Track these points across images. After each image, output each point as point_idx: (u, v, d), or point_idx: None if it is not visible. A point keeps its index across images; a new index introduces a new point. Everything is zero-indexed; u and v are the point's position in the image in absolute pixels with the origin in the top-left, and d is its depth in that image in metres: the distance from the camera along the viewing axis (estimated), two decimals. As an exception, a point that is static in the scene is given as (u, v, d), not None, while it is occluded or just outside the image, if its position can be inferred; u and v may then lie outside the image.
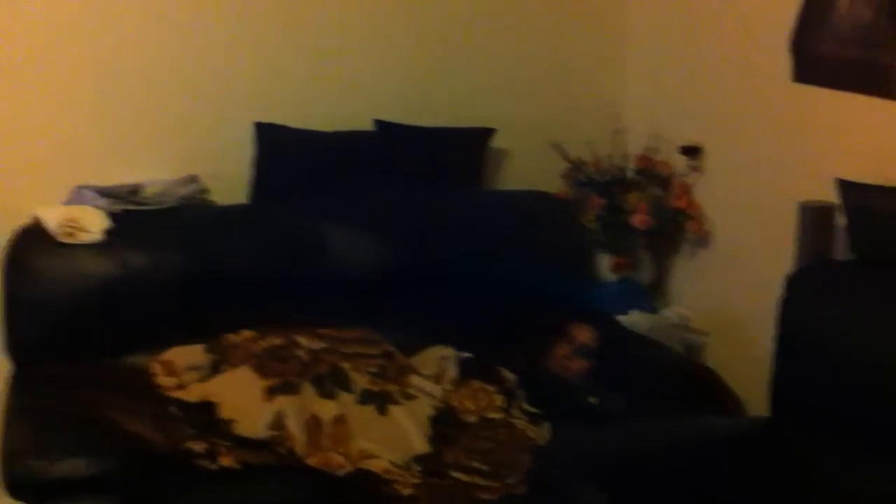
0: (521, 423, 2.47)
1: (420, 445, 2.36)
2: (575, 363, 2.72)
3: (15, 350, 2.68)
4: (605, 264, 3.34)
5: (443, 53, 3.29)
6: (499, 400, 2.52)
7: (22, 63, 2.81)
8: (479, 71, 3.34)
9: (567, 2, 3.43)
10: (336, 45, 3.14)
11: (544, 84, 3.44)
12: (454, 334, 2.76)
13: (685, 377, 2.75)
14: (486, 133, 3.24)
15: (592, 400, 2.63)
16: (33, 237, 2.72)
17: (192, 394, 2.46)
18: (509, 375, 2.60)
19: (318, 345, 2.64)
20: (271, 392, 2.43)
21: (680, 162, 3.22)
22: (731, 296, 3.11)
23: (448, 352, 2.68)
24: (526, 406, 2.51)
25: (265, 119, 3.04)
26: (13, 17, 2.79)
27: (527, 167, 3.36)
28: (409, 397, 2.49)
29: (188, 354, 2.62)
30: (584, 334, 2.76)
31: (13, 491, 2.23)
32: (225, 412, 2.38)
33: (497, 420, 2.47)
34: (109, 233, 2.72)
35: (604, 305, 3.10)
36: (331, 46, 3.13)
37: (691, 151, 3.17)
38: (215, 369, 2.56)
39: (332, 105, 3.15)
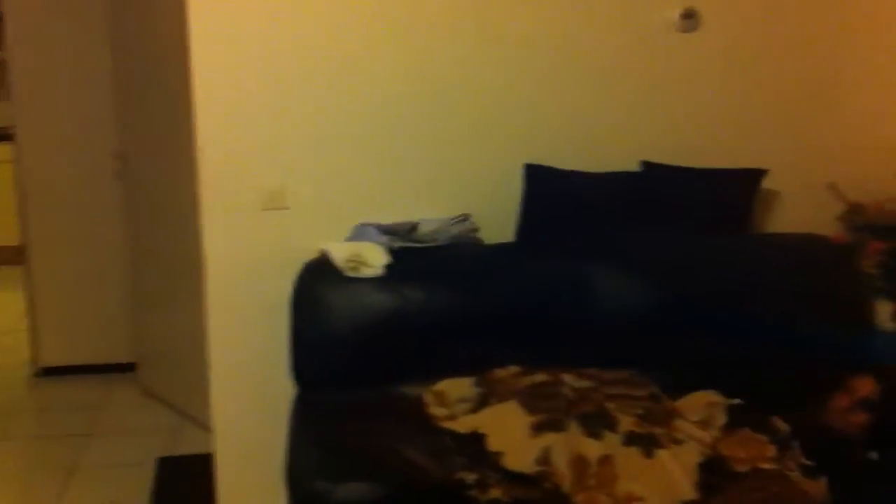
0: (795, 475, 2.36)
1: (687, 492, 2.31)
2: (855, 416, 2.58)
3: (300, 375, 2.88)
4: (885, 312, 3.14)
5: (712, 91, 3.24)
6: (771, 450, 2.43)
7: (311, 112, 3.03)
8: (749, 108, 3.27)
9: (847, 31, 3.29)
10: (602, 87, 3.18)
11: (820, 120, 3.32)
12: (721, 382, 2.70)
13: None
14: (758, 174, 3.16)
15: (873, 455, 2.49)
16: (320, 270, 2.91)
17: (463, 425, 2.54)
18: (782, 425, 2.51)
19: (583, 383, 2.66)
20: (538, 428, 2.46)
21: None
22: None
23: (716, 397, 2.63)
24: (801, 458, 2.41)
25: (535, 160, 3.12)
26: (307, 75, 3.02)
27: (799, 209, 3.25)
28: (677, 442, 2.44)
29: (458, 386, 2.71)
30: (866, 386, 2.61)
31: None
32: (493, 445, 2.43)
33: (769, 471, 2.37)
34: (389, 268, 2.87)
35: (884, 357, 2.91)
36: (597, 88, 3.17)
37: None
38: (484, 402, 2.63)
39: (600, 146, 3.18)
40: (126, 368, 4.92)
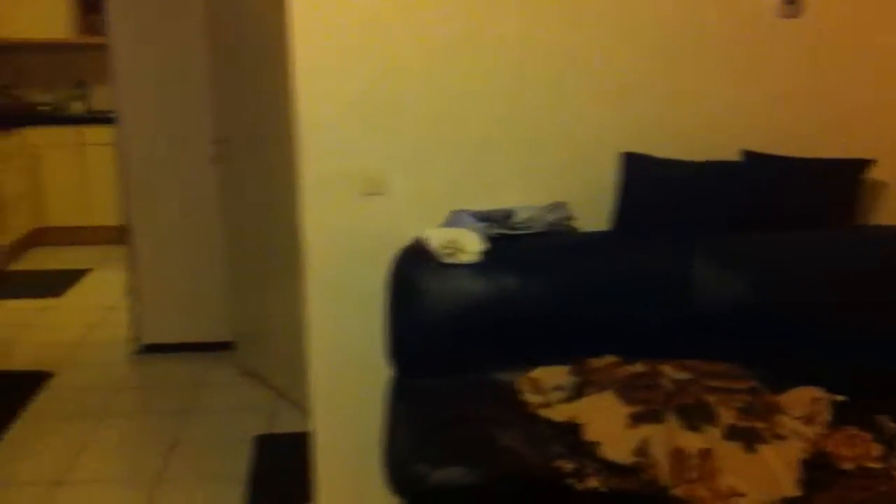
0: (901, 475, 2.31)
1: (789, 488, 2.26)
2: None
3: (396, 359, 2.90)
4: None
5: (815, 78, 3.15)
6: (877, 449, 2.38)
7: (409, 98, 3.05)
8: (853, 95, 3.16)
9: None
10: (702, 73, 3.11)
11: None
12: (821, 380, 2.65)
13: None
14: (863, 164, 3.06)
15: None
16: (416, 256, 2.93)
17: (559, 413, 2.54)
18: (889, 424, 2.45)
19: (682, 375, 2.64)
20: (636, 419, 2.45)
21: None
22: None
23: (820, 393, 2.57)
24: (907, 458, 2.35)
25: (630, 148, 3.08)
26: (406, 62, 3.04)
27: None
28: (779, 437, 2.39)
29: (554, 375, 2.71)
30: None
31: (398, 492, 2.43)
32: (590, 434, 2.43)
33: (875, 470, 2.32)
34: (485, 254, 2.87)
35: None
36: (696, 74, 3.12)
37: None
38: (579, 391, 2.62)
39: (698, 134, 3.12)
40: (224, 347, 5.06)
